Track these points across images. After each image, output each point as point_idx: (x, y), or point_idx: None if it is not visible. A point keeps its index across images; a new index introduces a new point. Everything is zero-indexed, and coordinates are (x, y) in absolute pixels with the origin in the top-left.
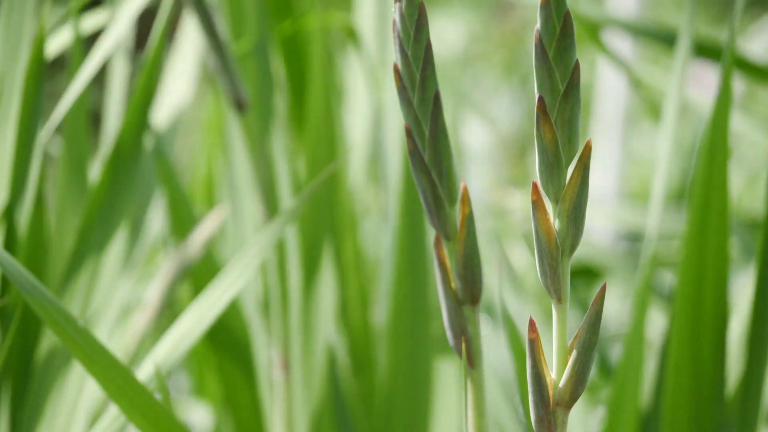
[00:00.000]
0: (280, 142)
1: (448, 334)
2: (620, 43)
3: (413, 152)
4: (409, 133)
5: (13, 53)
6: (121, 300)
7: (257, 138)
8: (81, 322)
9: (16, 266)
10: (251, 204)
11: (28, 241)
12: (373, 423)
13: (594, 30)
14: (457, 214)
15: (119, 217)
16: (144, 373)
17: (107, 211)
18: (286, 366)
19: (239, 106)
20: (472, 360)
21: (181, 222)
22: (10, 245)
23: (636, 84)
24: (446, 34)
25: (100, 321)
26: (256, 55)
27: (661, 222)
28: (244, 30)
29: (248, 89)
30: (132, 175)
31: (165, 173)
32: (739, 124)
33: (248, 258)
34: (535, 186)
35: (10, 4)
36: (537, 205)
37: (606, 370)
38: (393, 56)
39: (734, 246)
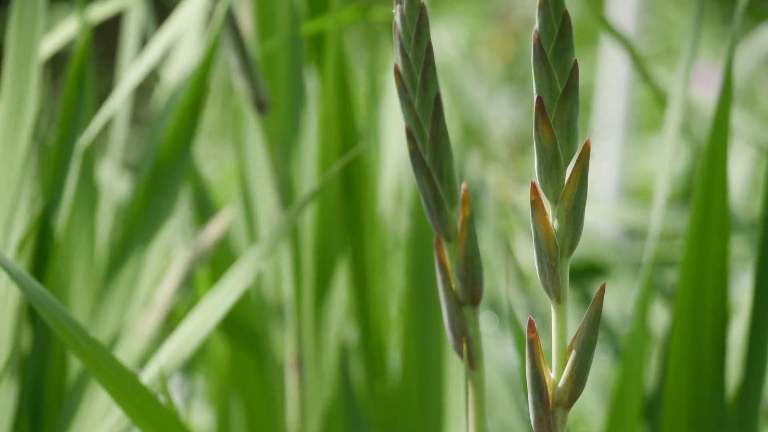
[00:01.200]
0: (308, 142)
1: (449, 335)
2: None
3: (414, 153)
4: (409, 134)
5: (26, 52)
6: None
7: (278, 139)
8: (92, 333)
9: (24, 276)
10: (267, 204)
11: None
12: (386, 422)
13: (596, 6)
14: (458, 215)
15: (159, 227)
16: (150, 373)
17: (147, 224)
18: (300, 365)
19: (260, 106)
20: (472, 361)
21: (204, 220)
22: (45, 248)
23: (638, 68)
24: (446, 34)
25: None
26: (287, 54)
27: (664, 220)
28: (273, 28)
29: (275, 89)
30: (174, 191)
31: (189, 171)
32: (740, 122)
33: (256, 255)
34: (533, 186)
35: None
36: (536, 205)
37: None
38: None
39: (740, 244)
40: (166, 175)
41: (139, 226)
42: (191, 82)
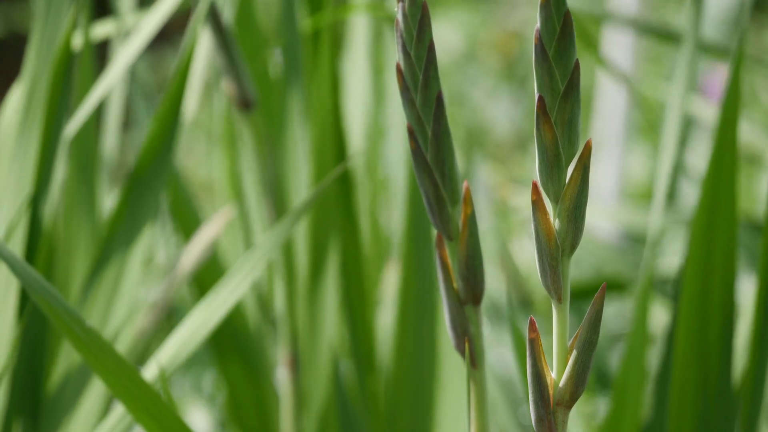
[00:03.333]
0: (296, 140)
1: (450, 334)
2: (621, 40)
3: (416, 152)
4: (411, 133)
5: (47, 55)
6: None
7: (265, 138)
8: (88, 322)
9: (30, 271)
10: (259, 205)
11: (49, 236)
12: (378, 423)
13: (592, 42)
14: (460, 214)
15: (141, 226)
16: (149, 374)
17: (130, 220)
18: (294, 365)
19: (246, 105)
20: (474, 360)
21: (186, 223)
22: (34, 237)
23: (635, 95)
24: (446, 34)
25: (124, 327)
26: (283, 48)
27: (662, 221)
28: (252, 21)
29: (258, 87)
30: (156, 187)
31: (169, 177)
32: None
33: (254, 260)
34: (535, 186)
35: (47, 9)
36: (537, 204)
37: (602, 373)
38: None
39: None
40: (147, 178)
41: (119, 231)
42: (172, 82)
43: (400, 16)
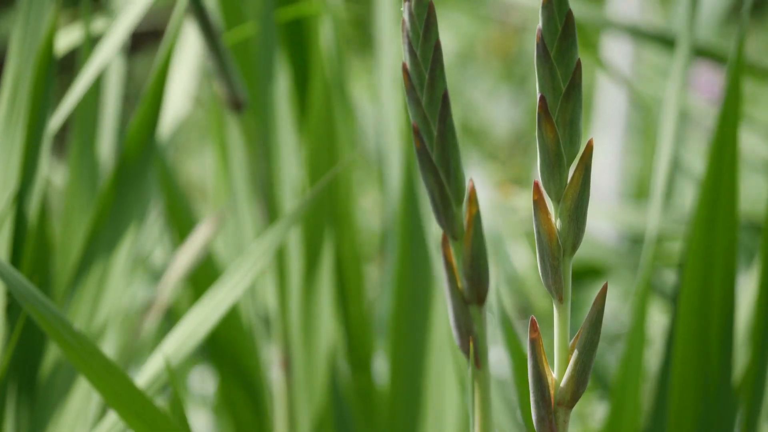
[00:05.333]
0: (285, 140)
1: (455, 333)
2: (621, 43)
3: (421, 151)
4: (417, 132)
5: (30, 50)
6: (125, 303)
7: (256, 138)
8: (81, 328)
9: (15, 275)
10: (251, 205)
11: (36, 232)
12: (374, 422)
13: (592, 44)
14: (464, 213)
15: (127, 223)
16: (148, 374)
17: (115, 217)
18: (287, 365)
19: (236, 106)
20: (478, 360)
21: (180, 224)
22: (20, 233)
23: (634, 94)
24: (445, 34)
25: (108, 325)
26: (259, 49)
27: (661, 221)
28: (240, 22)
29: (248, 86)
30: (140, 183)
31: (163, 178)
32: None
33: (249, 263)
34: (536, 185)
35: (28, 6)
36: (538, 204)
37: (600, 373)
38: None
39: None
40: (132, 169)
41: (106, 221)
42: (153, 76)
43: (406, 16)
